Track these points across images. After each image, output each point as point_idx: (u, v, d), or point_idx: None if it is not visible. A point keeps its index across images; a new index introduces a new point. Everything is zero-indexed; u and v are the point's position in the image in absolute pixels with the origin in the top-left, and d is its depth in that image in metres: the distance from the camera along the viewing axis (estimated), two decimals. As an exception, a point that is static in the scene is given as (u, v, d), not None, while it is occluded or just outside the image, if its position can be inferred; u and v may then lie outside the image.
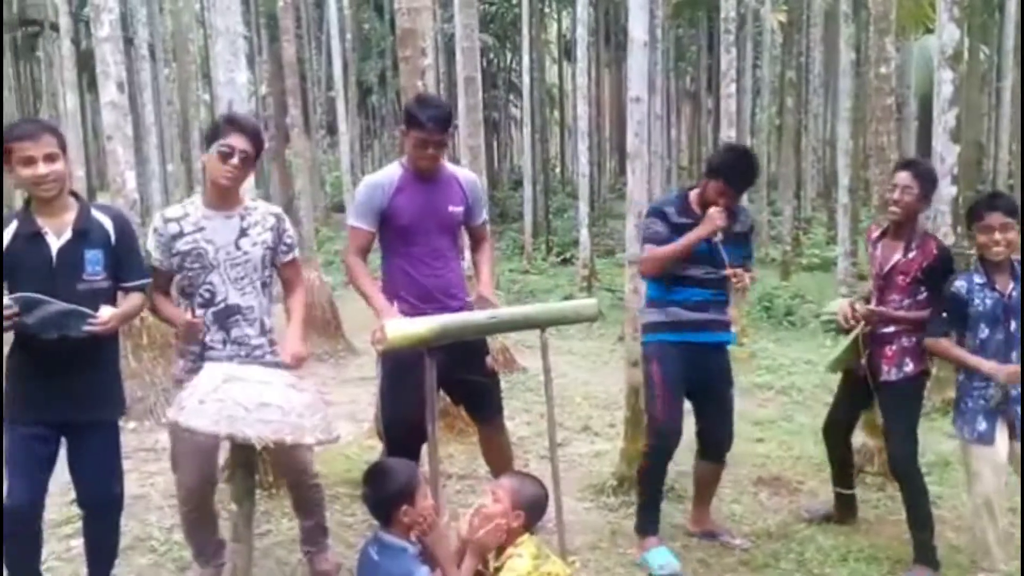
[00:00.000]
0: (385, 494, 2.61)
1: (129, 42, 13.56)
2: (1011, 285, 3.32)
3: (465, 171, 3.87)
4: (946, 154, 6.38)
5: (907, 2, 10.85)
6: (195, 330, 3.17)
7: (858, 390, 3.85)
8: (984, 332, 3.34)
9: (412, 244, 3.55)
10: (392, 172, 3.61)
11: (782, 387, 7.14)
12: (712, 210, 3.61)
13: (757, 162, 3.92)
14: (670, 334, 3.72)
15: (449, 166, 3.73)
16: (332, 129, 25.91)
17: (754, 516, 4.26)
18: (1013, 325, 3.30)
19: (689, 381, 3.74)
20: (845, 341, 3.80)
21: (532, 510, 2.74)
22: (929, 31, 12.71)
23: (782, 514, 4.29)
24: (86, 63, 18.57)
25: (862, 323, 3.70)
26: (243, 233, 3.24)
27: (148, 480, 4.70)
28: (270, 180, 19.23)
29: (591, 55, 14.42)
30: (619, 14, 25.59)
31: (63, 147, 2.93)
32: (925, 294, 3.61)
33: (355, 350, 8.57)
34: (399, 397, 3.49)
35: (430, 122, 3.42)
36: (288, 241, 3.37)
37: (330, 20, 16.99)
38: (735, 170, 3.67)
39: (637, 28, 4.51)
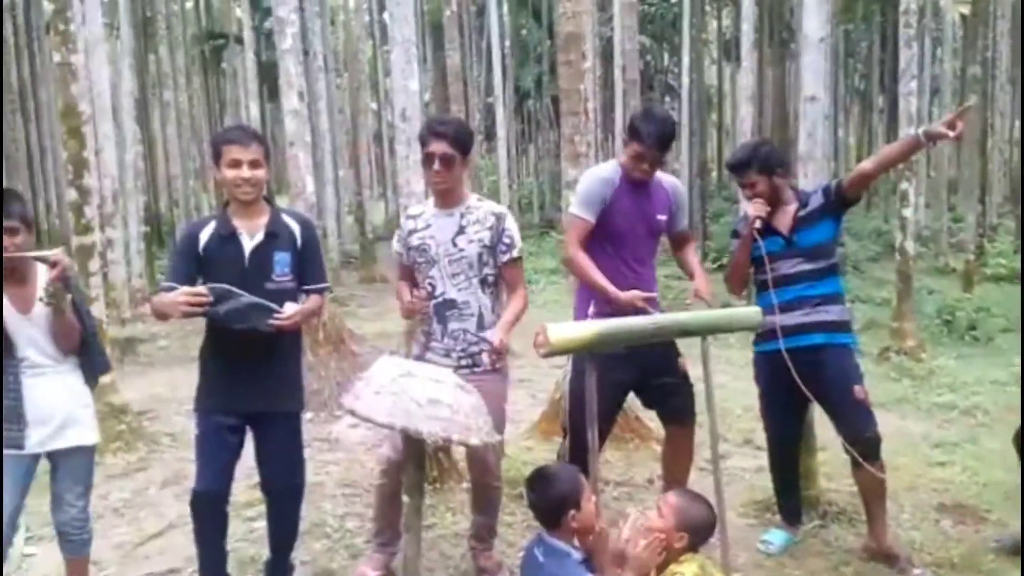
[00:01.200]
0: (554, 499, 2.61)
1: (305, 53, 14.41)
2: None
3: (671, 178, 3.87)
4: None
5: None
6: (413, 309, 3.34)
7: None
8: None
9: (620, 246, 3.58)
10: (613, 171, 3.62)
11: (966, 407, 6.63)
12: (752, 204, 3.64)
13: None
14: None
15: (656, 174, 3.72)
16: (489, 134, 26.50)
17: (935, 544, 3.97)
18: None
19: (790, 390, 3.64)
20: None
21: (697, 533, 2.64)
22: None
23: (966, 544, 3.98)
24: (266, 74, 19.90)
25: None
26: (461, 231, 3.36)
27: (324, 469, 4.94)
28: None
29: (755, 54, 13.93)
30: (783, 11, 24.68)
31: (266, 156, 3.14)
32: None
33: (513, 352, 8.65)
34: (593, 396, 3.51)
35: (649, 138, 3.46)
36: (507, 241, 3.39)
37: (491, 27, 17.34)
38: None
39: (812, 24, 4.34)
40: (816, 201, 3.74)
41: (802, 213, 3.72)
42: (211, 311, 2.96)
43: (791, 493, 3.99)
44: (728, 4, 26.38)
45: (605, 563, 2.60)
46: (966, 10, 19.78)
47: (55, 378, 3.00)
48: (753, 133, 13.65)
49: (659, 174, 3.75)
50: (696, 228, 18.88)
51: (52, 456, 3.05)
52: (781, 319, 3.62)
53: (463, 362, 3.35)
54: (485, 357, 3.33)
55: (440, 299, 3.37)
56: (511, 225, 3.42)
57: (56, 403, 2.99)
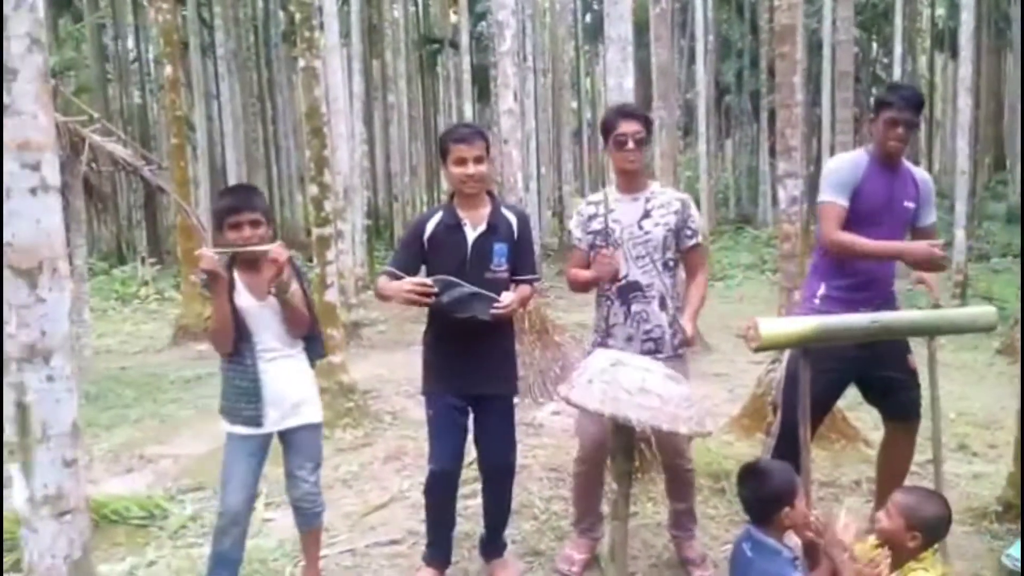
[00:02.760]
0: (768, 495, 2.57)
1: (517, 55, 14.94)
2: None
3: (921, 170, 3.75)
4: None
5: None
6: (606, 263, 3.33)
7: None
8: None
9: (863, 230, 3.45)
10: (860, 156, 3.58)
11: None
12: None
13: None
14: None
15: (906, 162, 3.65)
16: (687, 130, 26.13)
17: None
18: None
19: None
20: None
21: (932, 532, 2.55)
22: None
23: None
24: (477, 76, 20.74)
25: None
26: (646, 214, 3.45)
27: (530, 453, 5.14)
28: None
29: (973, 44, 12.88)
30: (1000, 0, 22.54)
31: (488, 151, 3.34)
32: None
33: (709, 346, 8.64)
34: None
35: (901, 100, 3.40)
36: (692, 226, 3.49)
37: (696, 23, 17.13)
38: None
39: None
40: None
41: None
42: (435, 301, 3.15)
43: None
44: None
45: (835, 555, 2.51)
46: None
47: (287, 362, 3.13)
48: (970, 126, 12.66)
49: (909, 165, 3.66)
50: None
51: (284, 435, 3.17)
52: None
53: (646, 346, 3.40)
54: (668, 340, 3.41)
55: (624, 281, 3.41)
56: (694, 211, 3.51)
57: (289, 385, 3.12)
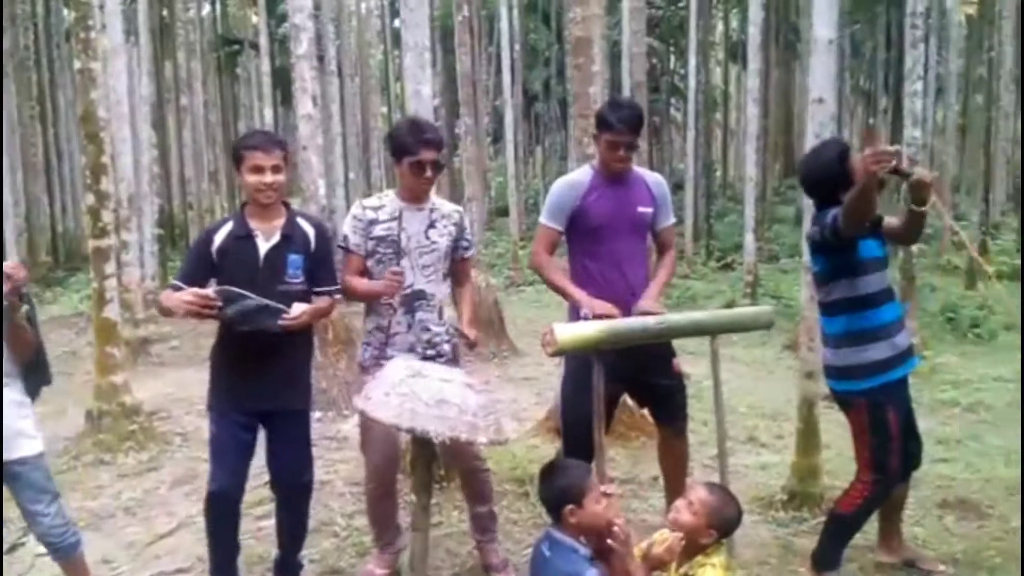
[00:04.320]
0: (553, 492, 2.64)
1: (319, 59, 14.50)
2: None
3: (652, 173, 3.85)
4: None
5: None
6: (396, 281, 3.31)
7: None
8: None
9: (601, 244, 3.56)
10: (584, 174, 3.65)
11: (968, 404, 6.67)
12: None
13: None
14: (898, 369, 3.36)
15: (637, 169, 3.74)
16: (496, 137, 26.57)
17: (939, 540, 4.01)
18: None
19: None
20: None
21: (727, 530, 2.69)
22: None
23: (970, 539, 4.02)
24: (280, 79, 20.02)
25: None
26: (432, 224, 3.48)
27: (332, 468, 4.99)
28: (438, 186, 19.98)
29: (761, 56, 14.00)
30: (789, 13, 24.68)
31: (286, 160, 3.21)
32: None
33: (518, 351, 8.75)
34: (582, 397, 3.55)
35: (621, 124, 3.46)
36: (468, 237, 3.62)
37: (501, 31, 17.43)
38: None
39: (822, 26, 4.31)
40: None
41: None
42: (219, 313, 3.00)
43: None
44: (735, 7, 26.39)
45: (625, 563, 2.56)
46: (972, 11, 19.80)
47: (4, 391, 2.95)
48: (758, 135, 13.69)
49: (640, 170, 3.76)
50: (701, 227, 18.94)
51: (5, 470, 2.98)
52: (906, 338, 3.45)
53: (428, 353, 3.42)
54: (447, 347, 3.47)
55: (408, 291, 3.42)
56: (468, 224, 3.67)
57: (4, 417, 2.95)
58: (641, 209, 3.60)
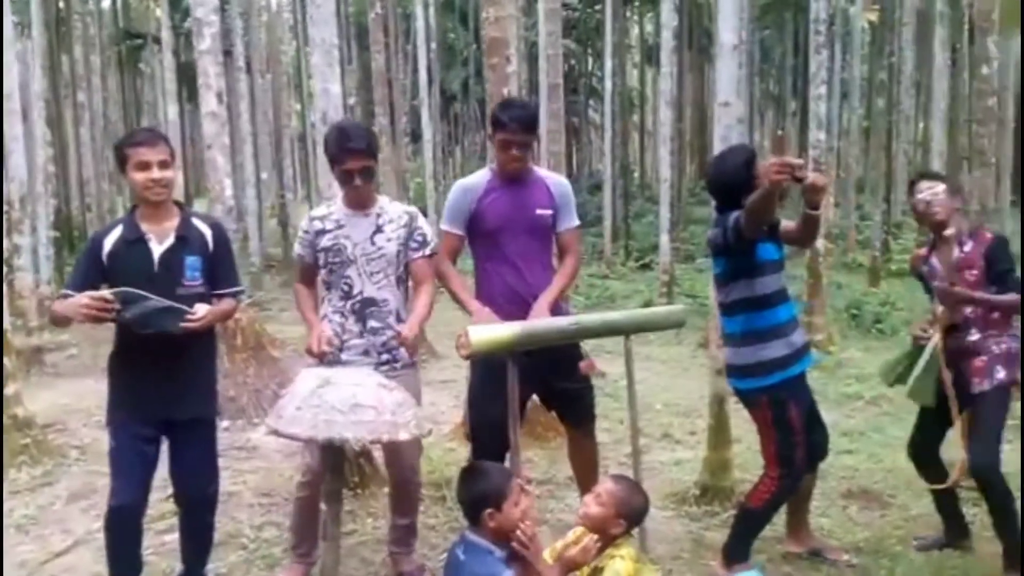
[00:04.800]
0: (473, 495, 2.63)
1: (227, 54, 14.09)
2: None
3: (554, 175, 3.84)
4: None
5: (1007, 1, 10.43)
6: (317, 350, 3.22)
7: (941, 410, 3.68)
8: None
9: (501, 247, 3.55)
10: (481, 176, 3.64)
11: (872, 397, 6.91)
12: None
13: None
14: (796, 366, 3.46)
15: (538, 170, 3.73)
16: (415, 136, 26.38)
17: (843, 530, 4.14)
18: None
19: None
20: (921, 359, 3.66)
21: (635, 519, 2.75)
22: (1031, 29, 12.14)
23: (872, 528, 4.16)
24: (185, 75, 19.39)
25: (936, 336, 3.62)
26: (378, 230, 3.39)
27: (240, 478, 4.85)
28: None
29: (675, 59, 14.30)
30: (703, 17, 25.28)
31: (173, 156, 3.10)
32: (994, 288, 3.53)
33: (437, 354, 8.67)
34: (488, 401, 3.52)
35: (513, 123, 3.44)
36: (419, 238, 3.44)
37: (417, 30, 17.29)
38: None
39: (727, 32, 4.43)
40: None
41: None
42: (118, 316, 2.88)
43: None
44: (650, 10, 26.89)
45: (534, 565, 2.59)
46: (874, 17, 20.62)
47: None
48: (673, 137, 13.96)
49: (543, 172, 3.75)
50: (619, 227, 19.20)
51: None
52: (803, 336, 3.56)
53: (383, 358, 3.36)
54: (403, 352, 3.36)
55: (358, 298, 3.37)
56: (423, 223, 3.49)
57: None
58: (539, 211, 3.58)
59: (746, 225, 3.22)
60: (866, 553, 3.85)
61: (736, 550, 3.58)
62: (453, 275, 3.59)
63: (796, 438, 3.43)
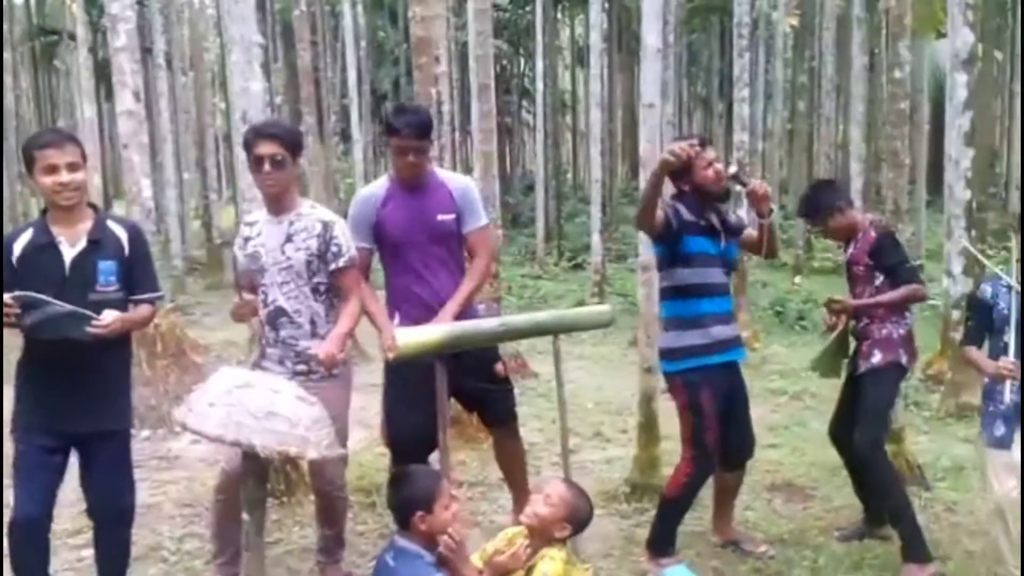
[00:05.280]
0: (402, 499, 2.62)
1: (147, 52, 13.68)
2: None
3: (457, 177, 3.78)
4: (960, 158, 6.35)
5: (920, 6, 10.82)
6: (241, 311, 3.34)
7: (855, 391, 3.89)
8: (1008, 336, 3.32)
9: (404, 256, 3.51)
10: (380, 185, 3.60)
11: (795, 392, 7.10)
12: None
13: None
14: (715, 356, 3.58)
15: (440, 173, 3.69)
16: (346, 136, 26.04)
17: (768, 523, 4.23)
18: None
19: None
20: (827, 341, 4.04)
21: (580, 526, 2.78)
22: (941, 35, 12.66)
23: (796, 520, 4.26)
24: (103, 72, 18.71)
25: (842, 323, 3.91)
26: (288, 239, 3.28)
27: (160, 489, 4.71)
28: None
29: (604, 61, 14.44)
30: (632, 20, 25.59)
31: (83, 157, 2.98)
32: (881, 278, 3.76)
33: (366, 356, 8.56)
34: (404, 408, 3.49)
35: (405, 128, 3.41)
36: (334, 249, 3.27)
37: (345, 28, 17.06)
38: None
39: (651, 35, 4.50)
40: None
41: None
42: (18, 322, 2.76)
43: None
44: (580, 12, 27.10)
45: (462, 569, 2.60)
46: (795, 22, 21.20)
47: None
48: (604, 138, 14.09)
49: (444, 174, 3.72)
50: (552, 228, 19.30)
51: None
52: (728, 331, 3.70)
53: (299, 368, 3.27)
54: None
55: (272, 307, 3.29)
56: (339, 232, 3.30)
57: None
58: (441, 217, 3.53)
59: (638, 212, 3.39)
60: (789, 544, 3.94)
61: (660, 540, 3.67)
62: (367, 293, 3.47)
63: (707, 422, 3.55)
